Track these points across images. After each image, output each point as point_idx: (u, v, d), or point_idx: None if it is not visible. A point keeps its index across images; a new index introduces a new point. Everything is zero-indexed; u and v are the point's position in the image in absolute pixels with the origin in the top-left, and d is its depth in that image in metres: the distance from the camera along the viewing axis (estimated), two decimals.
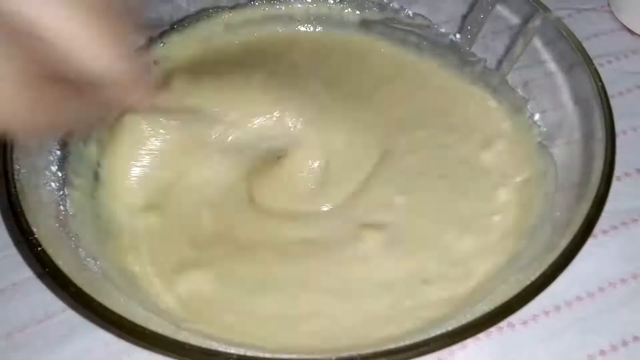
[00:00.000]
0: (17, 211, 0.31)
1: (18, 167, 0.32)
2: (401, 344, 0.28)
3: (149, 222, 0.40)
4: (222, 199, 0.41)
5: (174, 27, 0.49)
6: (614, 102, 0.38)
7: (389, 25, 0.50)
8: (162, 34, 0.49)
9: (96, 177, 0.40)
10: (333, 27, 0.51)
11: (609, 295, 0.40)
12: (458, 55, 0.48)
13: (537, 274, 0.30)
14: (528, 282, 0.30)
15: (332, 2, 0.51)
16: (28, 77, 0.23)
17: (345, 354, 0.28)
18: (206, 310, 0.36)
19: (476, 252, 0.39)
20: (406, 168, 0.43)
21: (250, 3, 0.51)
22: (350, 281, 0.38)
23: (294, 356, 0.31)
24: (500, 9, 0.46)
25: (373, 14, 0.50)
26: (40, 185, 0.36)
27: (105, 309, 0.28)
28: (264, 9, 0.51)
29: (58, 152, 0.39)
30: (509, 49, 0.46)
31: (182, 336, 0.28)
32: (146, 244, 0.39)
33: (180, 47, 0.49)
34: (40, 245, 0.29)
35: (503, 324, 0.39)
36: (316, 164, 0.41)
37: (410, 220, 0.40)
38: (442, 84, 0.48)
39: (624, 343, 0.38)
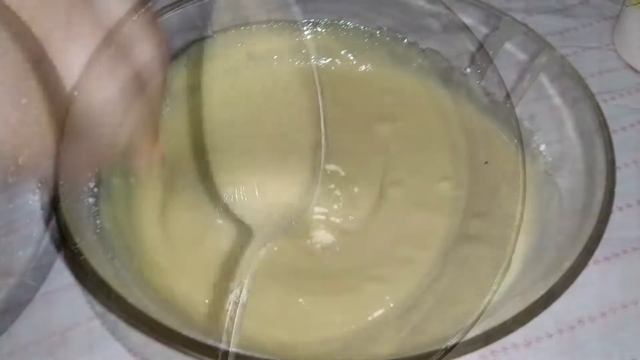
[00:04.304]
0: (62, 221, 0.33)
1: (62, 182, 0.34)
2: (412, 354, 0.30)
3: None
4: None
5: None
6: (617, 137, 0.40)
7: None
8: None
9: (127, 196, 0.42)
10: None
11: (610, 319, 0.41)
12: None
13: (542, 292, 0.31)
14: (534, 299, 0.31)
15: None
16: None
17: None
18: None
19: None
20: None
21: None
22: None
23: None
24: (508, 46, 0.48)
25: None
26: (79, 199, 0.38)
27: (144, 315, 0.29)
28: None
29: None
30: (516, 83, 0.48)
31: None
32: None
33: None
34: (82, 254, 0.31)
35: (507, 344, 0.40)
36: None
37: None
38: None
39: None
